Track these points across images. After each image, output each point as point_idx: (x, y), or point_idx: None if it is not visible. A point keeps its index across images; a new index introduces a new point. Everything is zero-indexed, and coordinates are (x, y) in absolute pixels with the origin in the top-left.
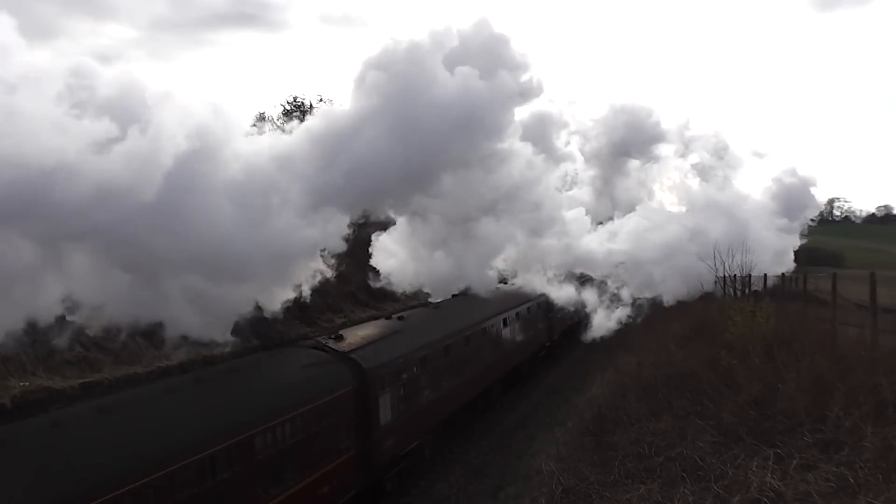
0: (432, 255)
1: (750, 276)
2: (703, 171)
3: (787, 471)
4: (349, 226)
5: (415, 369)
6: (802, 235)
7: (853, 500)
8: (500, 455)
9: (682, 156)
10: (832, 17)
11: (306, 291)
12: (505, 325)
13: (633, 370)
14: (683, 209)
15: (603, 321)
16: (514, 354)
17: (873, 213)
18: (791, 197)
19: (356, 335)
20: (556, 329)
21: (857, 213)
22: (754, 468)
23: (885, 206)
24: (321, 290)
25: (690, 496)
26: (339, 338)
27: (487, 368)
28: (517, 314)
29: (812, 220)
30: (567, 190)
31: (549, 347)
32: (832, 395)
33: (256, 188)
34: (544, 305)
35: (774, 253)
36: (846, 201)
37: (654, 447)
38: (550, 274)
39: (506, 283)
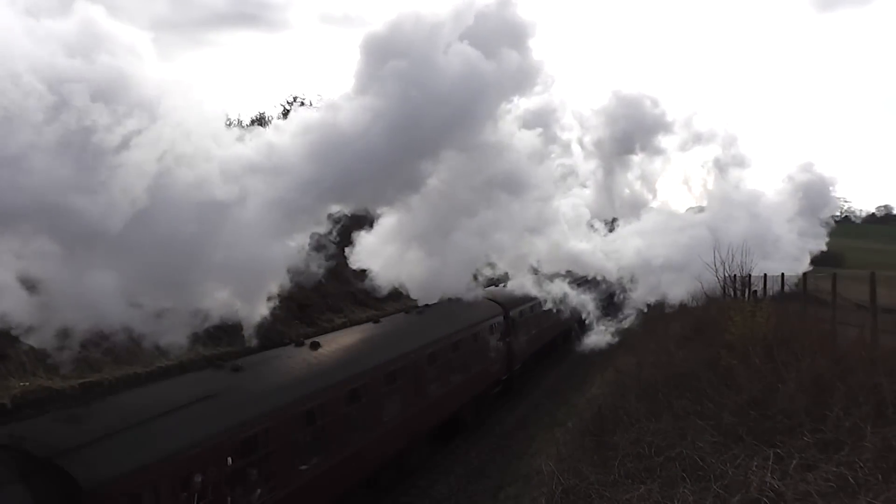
0: (416, 257)
1: (749, 276)
2: (720, 167)
3: (787, 471)
4: (333, 221)
5: (229, 461)
6: (826, 237)
7: (853, 500)
8: (500, 455)
9: (686, 149)
10: (832, 17)
11: (273, 306)
12: (432, 361)
13: (633, 370)
14: (693, 206)
15: (601, 336)
16: (447, 400)
17: (873, 213)
18: (809, 195)
19: (117, 407)
20: (517, 357)
21: (857, 213)
22: (754, 468)
23: (885, 206)
24: (321, 290)
25: (690, 496)
26: (72, 420)
27: (398, 428)
28: (455, 343)
29: (834, 218)
30: (565, 185)
31: (508, 381)
32: (832, 395)
33: (229, 200)
34: (500, 327)
35: (794, 259)
36: (846, 201)
37: (654, 447)
38: (542, 274)
39: (496, 285)
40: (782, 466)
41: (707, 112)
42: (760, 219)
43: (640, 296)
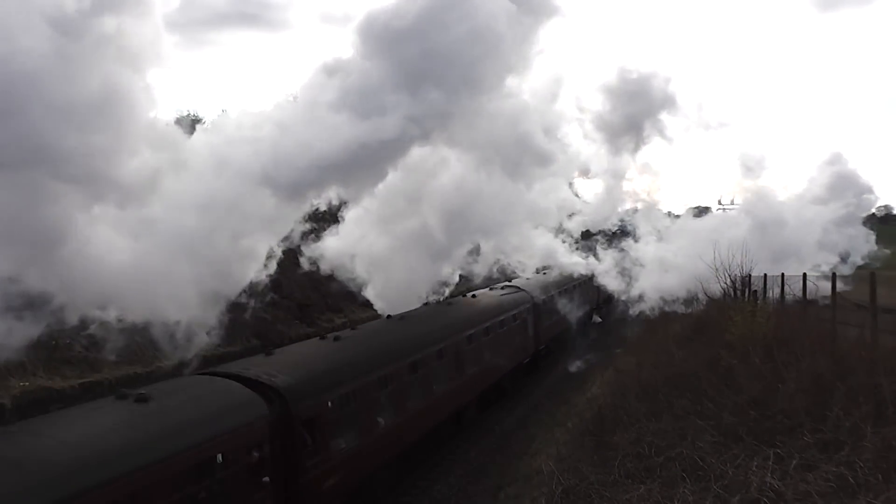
0: (379, 261)
1: (750, 276)
2: (748, 166)
3: (787, 471)
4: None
5: None
6: (873, 241)
7: (853, 500)
8: (500, 455)
9: (695, 133)
10: (833, 16)
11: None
12: None
13: (633, 370)
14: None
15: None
16: None
17: (873, 213)
18: (847, 197)
19: None
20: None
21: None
22: (754, 468)
23: (885, 206)
24: (321, 289)
25: (690, 496)
26: None
27: None
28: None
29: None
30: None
31: None
32: (832, 395)
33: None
34: (246, 460)
35: (833, 266)
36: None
37: (654, 447)
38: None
39: (474, 296)
40: (782, 466)
41: (707, 110)
42: (801, 222)
43: (648, 306)
